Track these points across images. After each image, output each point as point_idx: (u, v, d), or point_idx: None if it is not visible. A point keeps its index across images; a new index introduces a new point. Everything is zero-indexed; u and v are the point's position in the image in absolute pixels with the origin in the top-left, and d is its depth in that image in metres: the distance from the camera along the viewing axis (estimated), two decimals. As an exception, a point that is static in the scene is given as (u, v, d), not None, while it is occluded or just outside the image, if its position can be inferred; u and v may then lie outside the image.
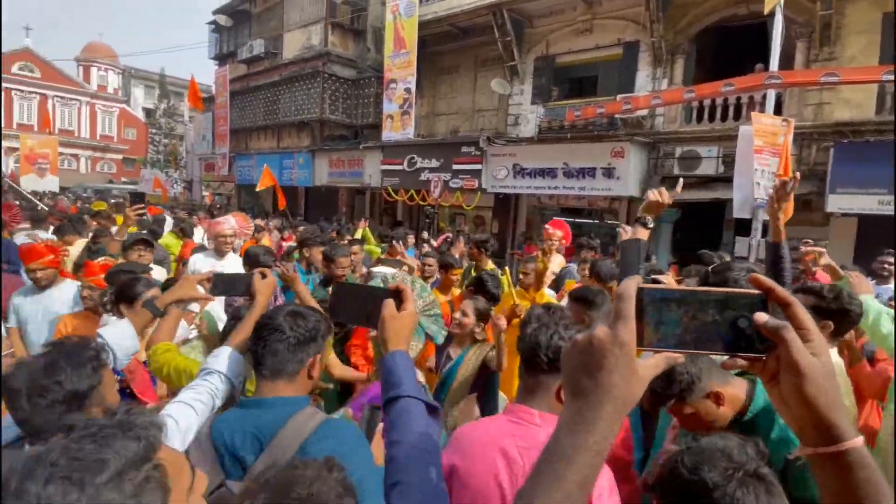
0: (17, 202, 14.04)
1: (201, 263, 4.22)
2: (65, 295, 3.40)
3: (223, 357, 1.49)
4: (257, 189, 12.54)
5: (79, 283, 3.53)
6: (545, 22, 12.87)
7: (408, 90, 14.30)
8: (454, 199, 13.08)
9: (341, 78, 17.24)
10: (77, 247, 5.45)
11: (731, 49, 11.32)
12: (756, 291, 0.58)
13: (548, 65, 12.90)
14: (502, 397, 2.91)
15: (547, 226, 4.87)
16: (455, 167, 13.19)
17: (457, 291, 3.85)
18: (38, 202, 13.62)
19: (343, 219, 13.85)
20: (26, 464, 0.57)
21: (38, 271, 3.28)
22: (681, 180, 2.42)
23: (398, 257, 4.88)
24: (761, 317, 0.55)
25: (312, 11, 17.50)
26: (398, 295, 1.10)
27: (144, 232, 4.07)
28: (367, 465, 1.34)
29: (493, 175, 12.57)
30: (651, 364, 0.56)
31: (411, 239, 6.30)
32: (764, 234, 8.07)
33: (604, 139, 10.95)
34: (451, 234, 9.28)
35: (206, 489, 0.82)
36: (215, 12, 21.74)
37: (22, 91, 35.30)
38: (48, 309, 3.29)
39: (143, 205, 4.57)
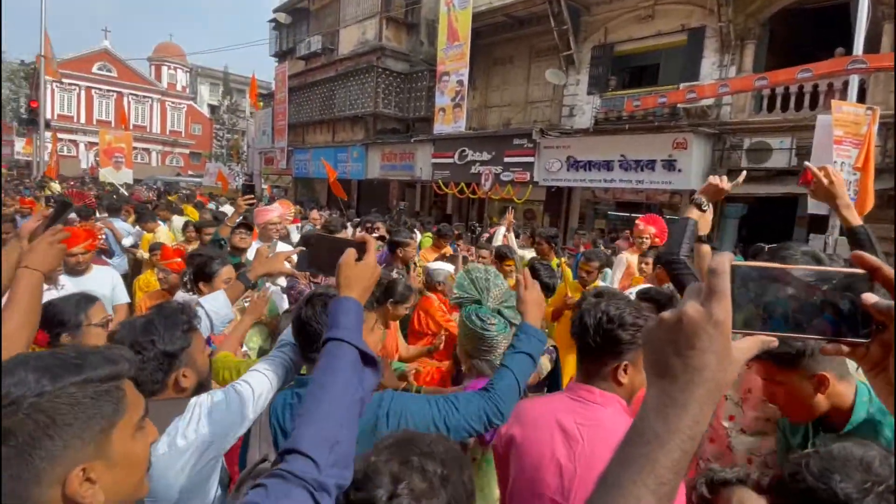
0: (96, 192, 15.12)
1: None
2: (104, 278, 3.48)
3: (288, 330, 1.56)
4: (329, 183, 12.88)
5: (108, 267, 3.71)
6: (604, 9, 12.44)
7: (460, 82, 14.24)
8: (504, 193, 12.94)
9: (394, 72, 17.41)
10: (159, 233, 5.83)
11: (806, 34, 10.54)
12: (860, 271, 0.53)
13: (605, 53, 12.48)
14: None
15: (638, 221, 4.60)
16: (506, 160, 13.04)
17: (511, 282, 3.79)
18: (124, 192, 14.65)
19: (400, 214, 13.84)
20: (24, 355, 0.72)
21: (79, 255, 3.28)
22: (743, 172, 2.29)
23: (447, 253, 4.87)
24: (870, 297, 0.51)
25: (368, 6, 17.74)
26: (361, 246, 1.11)
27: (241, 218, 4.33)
28: (422, 408, 1.35)
29: (546, 168, 12.33)
30: (744, 347, 0.52)
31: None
32: (843, 231, 7.47)
33: (665, 130, 10.49)
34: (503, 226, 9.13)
35: (155, 438, 0.85)
36: (275, 10, 22.46)
37: (101, 90, 37.92)
38: (92, 292, 3.30)
39: (252, 195, 4.88)
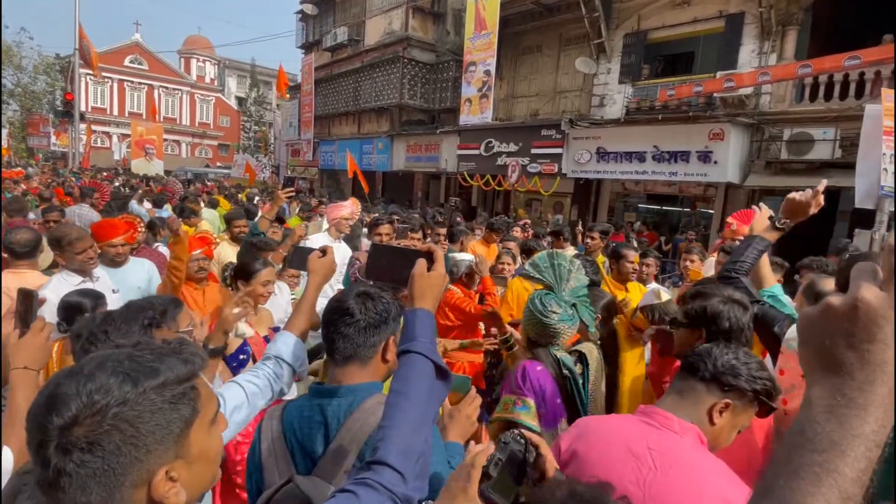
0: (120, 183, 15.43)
1: (321, 244, 4.37)
2: (140, 270, 3.47)
3: (280, 342, 1.45)
4: (349, 176, 12.93)
5: (145, 259, 3.72)
6: (637, -4, 12.08)
7: (487, 72, 14.06)
8: (531, 185, 12.75)
9: (420, 62, 17.30)
10: (202, 227, 5.81)
11: (850, 19, 10.04)
12: None
13: (638, 41, 12.13)
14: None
15: (730, 219, 4.28)
16: (534, 151, 12.83)
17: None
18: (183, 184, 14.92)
19: (452, 211, 13.42)
20: (100, 357, 0.71)
21: (119, 246, 3.25)
22: (824, 181, 2.05)
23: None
24: None
25: (394, -4, 17.66)
26: (430, 256, 1.11)
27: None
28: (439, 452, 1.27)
29: (575, 159, 12.09)
30: None
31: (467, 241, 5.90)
32: (889, 227, 7.14)
33: (700, 120, 10.15)
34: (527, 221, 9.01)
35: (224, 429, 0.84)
36: (302, 2, 22.51)
37: (132, 82, 38.78)
38: (130, 284, 3.27)
39: (292, 188, 4.94)
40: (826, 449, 0.42)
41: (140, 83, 39.13)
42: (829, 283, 2.23)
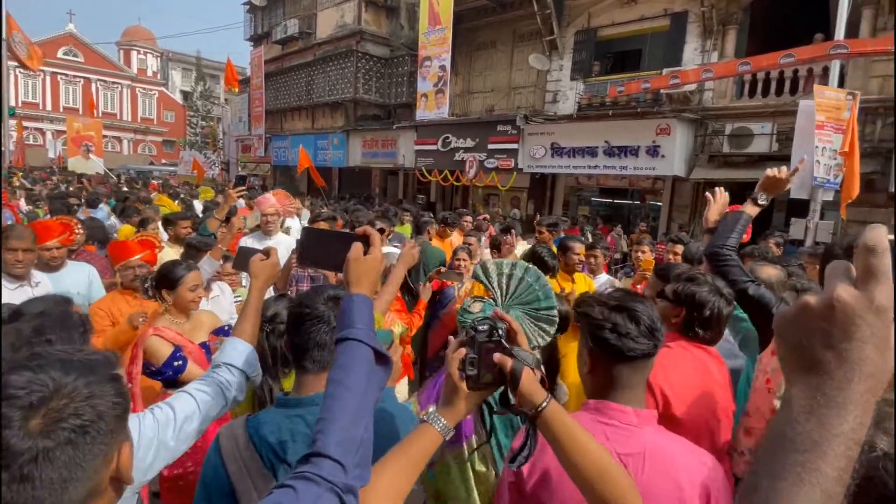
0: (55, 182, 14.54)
1: (249, 244, 4.22)
2: (80, 274, 3.30)
3: (228, 348, 1.40)
4: (298, 173, 12.62)
5: (84, 263, 3.52)
6: (586, -7, 12.34)
7: (442, 68, 14.03)
8: (489, 180, 12.86)
9: (374, 56, 17.08)
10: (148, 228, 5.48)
11: (787, 19, 10.61)
12: None
13: (589, 38, 12.41)
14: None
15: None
16: (490, 146, 12.94)
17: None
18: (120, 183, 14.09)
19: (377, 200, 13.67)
20: (51, 356, 0.74)
21: (53, 250, 3.10)
22: (797, 162, 2.23)
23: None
24: None
25: (346, -11, 17.34)
26: (366, 240, 1.08)
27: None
28: None
29: (530, 154, 12.27)
30: None
31: (432, 230, 5.97)
32: (822, 216, 7.61)
33: (648, 116, 10.50)
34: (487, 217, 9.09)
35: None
36: (250, -8, 21.81)
37: (67, 75, 36.46)
38: (68, 289, 3.06)
39: (244, 186, 4.69)
40: (808, 449, 0.42)
41: (75, 76, 36.82)
42: (767, 270, 2.35)
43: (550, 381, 2.51)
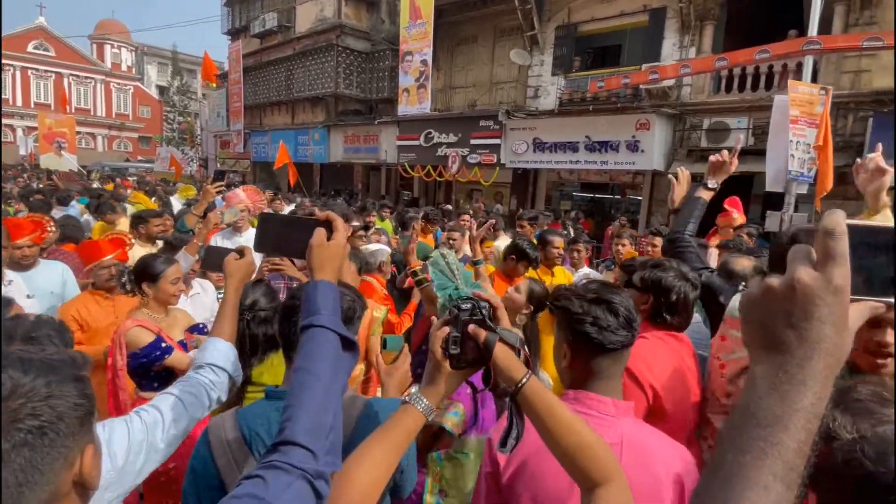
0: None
1: (220, 242, 4.17)
2: (53, 273, 3.25)
3: (210, 348, 1.39)
4: (275, 168, 12.47)
5: (58, 262, 3.45)
6: (567, -12, 12.39)
7: (424, 62, 13.97)
8: (472, 175, 12.87)
9: (355, 51, 16.92)
10: (122, 224, 5.31)
11: (762, 15, 10.79)
12: None
13: (569, 34, 12.47)
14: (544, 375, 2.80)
15: (726, 204, 4.63)
16: (473, 142, 12.94)
17: (491, 268, 3.74)
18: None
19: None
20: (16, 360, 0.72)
21: (25, 248, 3.05)
22: (739, 145, 2.42)
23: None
24: None
25: (325, -18, 17.13)
26: (328, 225, 1.06)
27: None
28: (413, 445, 1.27)
29: (513, 150, 12.30)
30: (854, 315, 0.48)
31: (417, 226, 6.12)
32: (797, 208, 7.78)
33: (628, 111, 10.61)
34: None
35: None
36: (227, -15, 21.42)
37: (38, 70, 35.42)
38: (42, 289, 3.08)
39: (222, 182, 4.63)
40: (770, 423, 0.44)
41: (47, 71, 35.77)
42: (741, 261, 2.41)
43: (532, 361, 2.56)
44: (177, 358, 2.21)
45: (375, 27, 17.36)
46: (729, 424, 0.48)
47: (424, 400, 0.94)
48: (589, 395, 1.17)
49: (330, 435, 0.85)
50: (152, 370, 2.23)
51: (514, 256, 3.41)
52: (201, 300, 3.07)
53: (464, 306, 0.94)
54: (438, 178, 13.79)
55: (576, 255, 4.18)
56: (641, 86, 10.34)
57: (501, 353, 0.91)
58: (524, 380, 0.91)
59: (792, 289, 0.46)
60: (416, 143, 14.27)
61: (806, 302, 0.46)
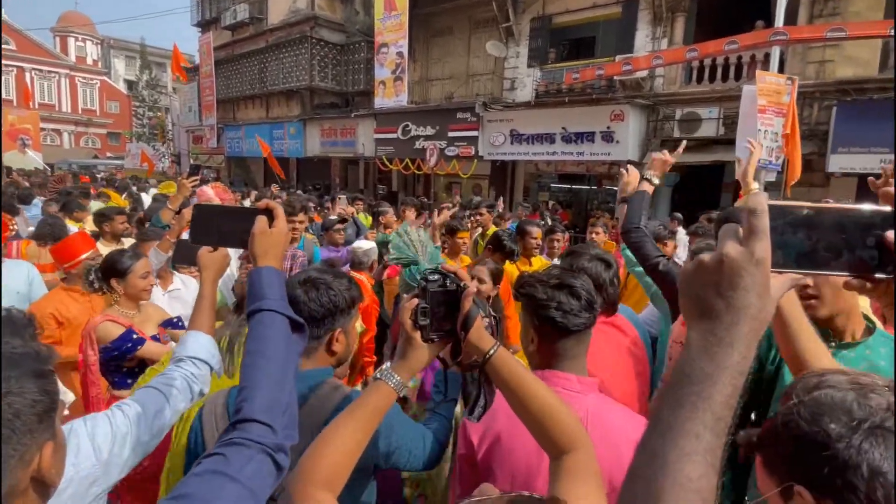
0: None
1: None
2: (19, 273, 3.19)
3: (190, 342, 1.39)
4: (265, 159, 12.25)
5: (24, 261, 3.38)
6: (541, -20, 12.43)
7: (400, 54, 13.88)
8: (450, 168, 12.88)
9: (330, 43, 16.71)
10: (89, 223, 5.21)
11: (732, 7, 11.02)
12: (886, 208, 0.55)
13: (544, 25, 12.52)
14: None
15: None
16: (451, 134, 12.94)
17: (467, 259, 3.79)
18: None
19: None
20: None
21: None
22: (683, 142, 2.68)
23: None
24: (892, 235, 0.53)
25: (298, -27, 16.85)
26: (269, 213, 1.07)
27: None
28: (406, 424, 1.31)
29: (490, 142, 12.35)
30: (777, 285, 0.54)
31: (410, 213, 6.12)
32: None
33: (602, 102, 10.74)
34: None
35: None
36: (195, -24, 20.89)
37: (-3, 64, 34.05)
38: (8, 288, 3.03)
39: (198, 177, 4.54)
40: (701, 381, 0.49)
41: (7, 66, 34.36)
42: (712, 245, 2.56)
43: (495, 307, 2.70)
44: (149, 349, 2.19)
45: (350, 19, 17.16)
46: (666, 385, 0.53)
47: (396, 376, 0.96)
48: (556, 373, 1.22)
49: (287, 411, 0.87)
50: (125, 365, 2.21)
51: (490, 247, 3.49)
52: (182, 296, 3.04)
53: (432, 277, 0.96)
54: (417, 172, 13.76)
55: (554, 244, 4.26)
56: (615, 77, 10.46)
57: (475, 325, 0.94)
58: (493, 350, 0.93)
59: (720, 262, 0.52)
60: (393, 136, 14.20)
61: (732, 273, 0.51)
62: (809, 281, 0.55)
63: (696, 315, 0.53)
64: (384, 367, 0.98)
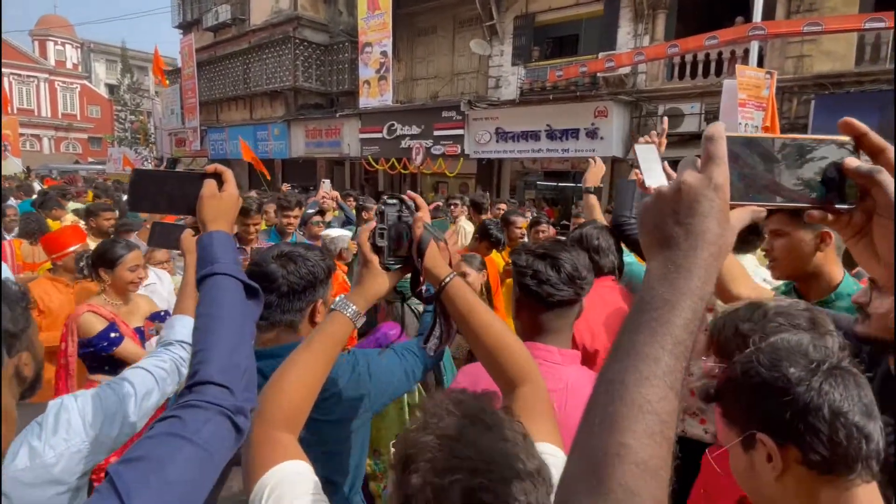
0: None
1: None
2: None
3: (178, 326, 1.38)
4: (247, 161, 12.14)
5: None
6: (523, -22, 12.48)
7: (384, 54, 13.85)
8: (436, 167, 12.86)
9: (313, 43, 16.62)
10: (67, 221, 5.23)
11: (712, 4, 11.15)
12: (845, 138, 0.54)
13: (527, 24, 12.57)
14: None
15: None
16: (436, 133, 12.92)
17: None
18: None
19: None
20: None
21: None
22: (665, 119, 2.65)
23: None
24: (852, 162, 0.53)
25: (280, -27, 16.74)
26: (218, 177, 1.03)
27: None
28: (391, 362, 1.33)
29: (476, 140, 12.36)
30: (737, 216, 0.53)
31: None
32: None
33: (586, 99, 10.80)
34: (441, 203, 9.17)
35: None
36: (176, -23, 20.67)
37: (-27, 68, 33.38)
38: None
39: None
40: (660, 307, 0.48)
41: (-17, 69, 33.80)
42: None
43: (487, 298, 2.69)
44: (126, 349, 2.16)
45: (333, 19, 17.08)
46: (627, 315, 0.52)
47: (352, 305, 0.94)
48: (537, 345, 1.21)
49: (246, 375, 0.84)
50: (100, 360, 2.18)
51: (477, 236, 3.55)
52: (157, 290, 2.99)
53: (389, 201, 0.96)
54: (403, 171, 13.73)
55: (540, 235, 4.30)
56: (598, 74, 10.54)
57: (430, 251, 0.93)
58: (448, 278, 0.92)
59: (678, 190, 0.51)
60: (379, 135, 14.16)
61: (690, 199, 0.50)
62: (763, 212, 0.54)
63: (656, 245, 0.52)
64: (339, 297, 0.96)
